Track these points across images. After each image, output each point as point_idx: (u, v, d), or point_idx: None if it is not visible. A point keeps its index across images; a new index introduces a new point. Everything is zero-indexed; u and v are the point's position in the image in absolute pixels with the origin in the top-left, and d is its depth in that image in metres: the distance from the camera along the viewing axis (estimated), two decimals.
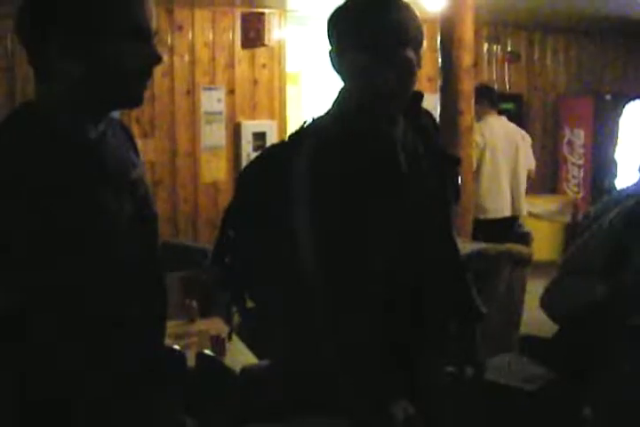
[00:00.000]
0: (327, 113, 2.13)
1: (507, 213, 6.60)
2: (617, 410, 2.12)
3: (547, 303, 2.29)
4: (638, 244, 2.09)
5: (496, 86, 8.77)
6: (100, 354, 1.70)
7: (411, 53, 2.03)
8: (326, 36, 2.12)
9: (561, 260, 2.35)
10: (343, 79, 2.11)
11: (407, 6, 2.09)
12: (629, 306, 2.04)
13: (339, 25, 2.10)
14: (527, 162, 6.79)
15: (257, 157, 2.16)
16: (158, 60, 1.76)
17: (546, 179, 9.41)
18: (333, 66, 2.11)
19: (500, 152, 6.46)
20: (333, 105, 2.13)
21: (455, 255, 2.22)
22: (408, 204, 2.05)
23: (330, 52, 2.10)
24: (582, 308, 2.11)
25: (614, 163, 8.94)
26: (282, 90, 7.97)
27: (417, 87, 2.16)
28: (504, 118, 6.79)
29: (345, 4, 2.13)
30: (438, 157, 2.19)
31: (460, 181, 2.35)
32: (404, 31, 2.04)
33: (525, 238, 6.56)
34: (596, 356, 2.11)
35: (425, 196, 2.12)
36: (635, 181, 2.33)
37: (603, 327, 2.07)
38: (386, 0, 2.10)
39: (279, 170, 2.03)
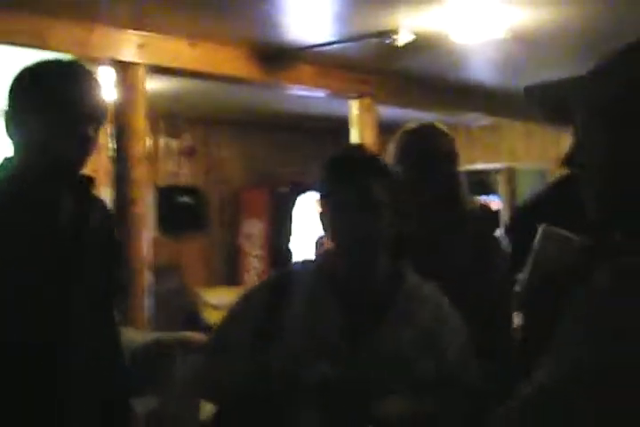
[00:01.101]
0: None
1: None
2: None
3: (201, 391, 2.27)
4: (281, 312, 2.12)
5: (174, 180, 8.87)
6: None
7: (91, 130, 2.01)
8: (7, 97, 2.04)
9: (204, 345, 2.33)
10: (15, 145, 2.05)
11: (96, 83, 2.07)
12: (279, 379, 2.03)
13: (22, 90, 2.04)
14: None
15: None
16: None
17: (225, 271, 9.52)
18: (8, 129, 2.03)
19: None
20: None
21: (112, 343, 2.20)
22: (61, 274, 2.02)
23: (6, 114, 2.03)
24: (237, 389, 2.09)
25: (289, 252, 9.23)
26: None
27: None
28: None
29: (32, 69, 2.06)
30: (105, 239, 2.18)
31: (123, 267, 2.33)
32: (89, 106, 2.02)
33: (209, 330, 6.51)
34: None
35: (85, 271, 2.08)
36: None
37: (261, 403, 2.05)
38: (74, 72, 2.07)
39: None
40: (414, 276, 2.20)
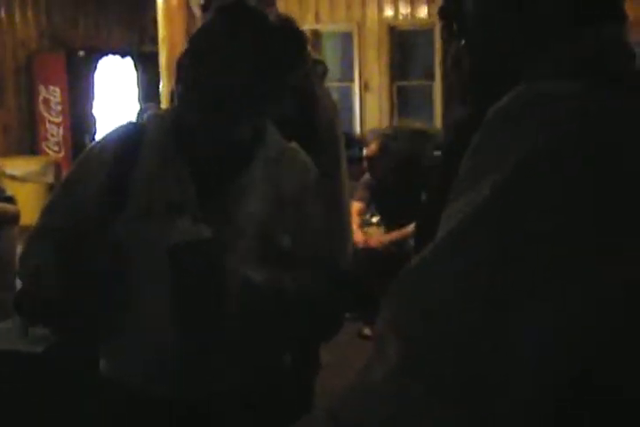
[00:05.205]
0: None
1: None
2: None
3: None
4: (129, 170, 1.94)
5: None
6: None
7: None
8: None
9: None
10: None
11: None
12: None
13: None
14: None
15: None
16: None
17: (24, 139, 9.11)
18: None
19: None
20: None
21: None
22: None
23: None
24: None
25: (93, 119, 8.89)
26: None
27: None
28: None
29: None
30: None
31: None
32: None
33: (10, 202, 6.28)
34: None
35: None
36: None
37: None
38: None
39: None
40: (277, 137, 2.03)
